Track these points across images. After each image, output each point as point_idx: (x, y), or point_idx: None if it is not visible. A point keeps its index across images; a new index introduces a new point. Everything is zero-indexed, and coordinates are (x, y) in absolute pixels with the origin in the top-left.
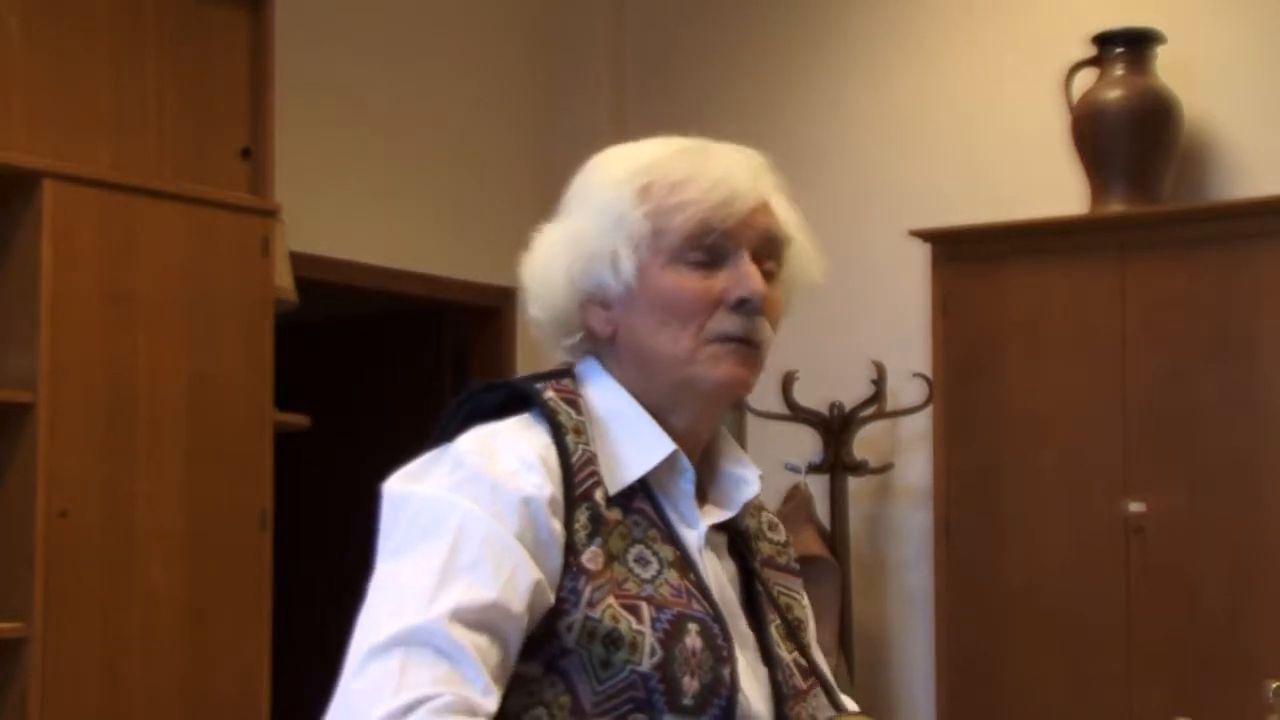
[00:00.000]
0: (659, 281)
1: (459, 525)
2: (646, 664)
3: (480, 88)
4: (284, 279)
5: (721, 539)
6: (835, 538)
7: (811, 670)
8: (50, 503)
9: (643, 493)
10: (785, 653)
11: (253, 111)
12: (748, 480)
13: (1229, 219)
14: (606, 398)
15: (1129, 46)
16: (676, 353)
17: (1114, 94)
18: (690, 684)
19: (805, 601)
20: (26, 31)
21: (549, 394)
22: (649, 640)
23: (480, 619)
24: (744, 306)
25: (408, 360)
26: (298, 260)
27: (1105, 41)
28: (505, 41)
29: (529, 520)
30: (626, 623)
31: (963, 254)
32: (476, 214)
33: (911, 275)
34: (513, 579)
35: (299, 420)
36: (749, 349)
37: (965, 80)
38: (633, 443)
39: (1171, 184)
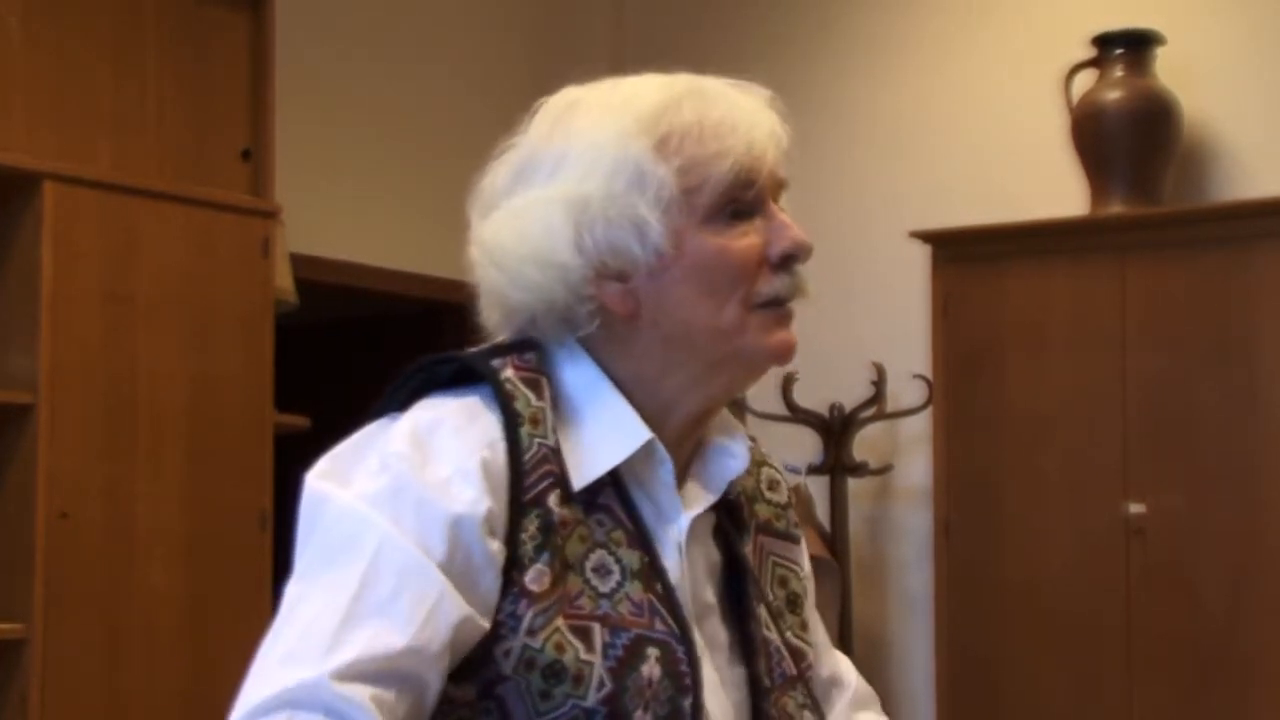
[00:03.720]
0: (699, 246)
1: (375, 552)
2: (592, 698)
3: (480, 88)
4: (284, 280)
5: (707, 519)
6: (835, 539)
7: (795, 653)
8: (50, 503)
9: (612, 486)
10: (776, 634)
11: (253, 112)
12: (734, 454)
13: (1229, 220)
14: (578, 378)
15: (1129, 47)
16: (721, 325)
17: (1114, 95)
18: (643, 718)
19: (805, 570)
20: (26, 31)
21: (508, 372)
22: (597, 671)
23: (385, 668)
24: (790, 261)
25: (408, 361)
26: (298, 261)
27: (1105, 43)
28: (505, 42)
29: (458, 543)
30: (573, 652)
31: (963, 255)
32: None
33: (911, 276)
34: (433, 616)
35: (299, 421)
36: (790, 310)
37: (965, 81)
38: (602, 430)
39: (1172, 185)
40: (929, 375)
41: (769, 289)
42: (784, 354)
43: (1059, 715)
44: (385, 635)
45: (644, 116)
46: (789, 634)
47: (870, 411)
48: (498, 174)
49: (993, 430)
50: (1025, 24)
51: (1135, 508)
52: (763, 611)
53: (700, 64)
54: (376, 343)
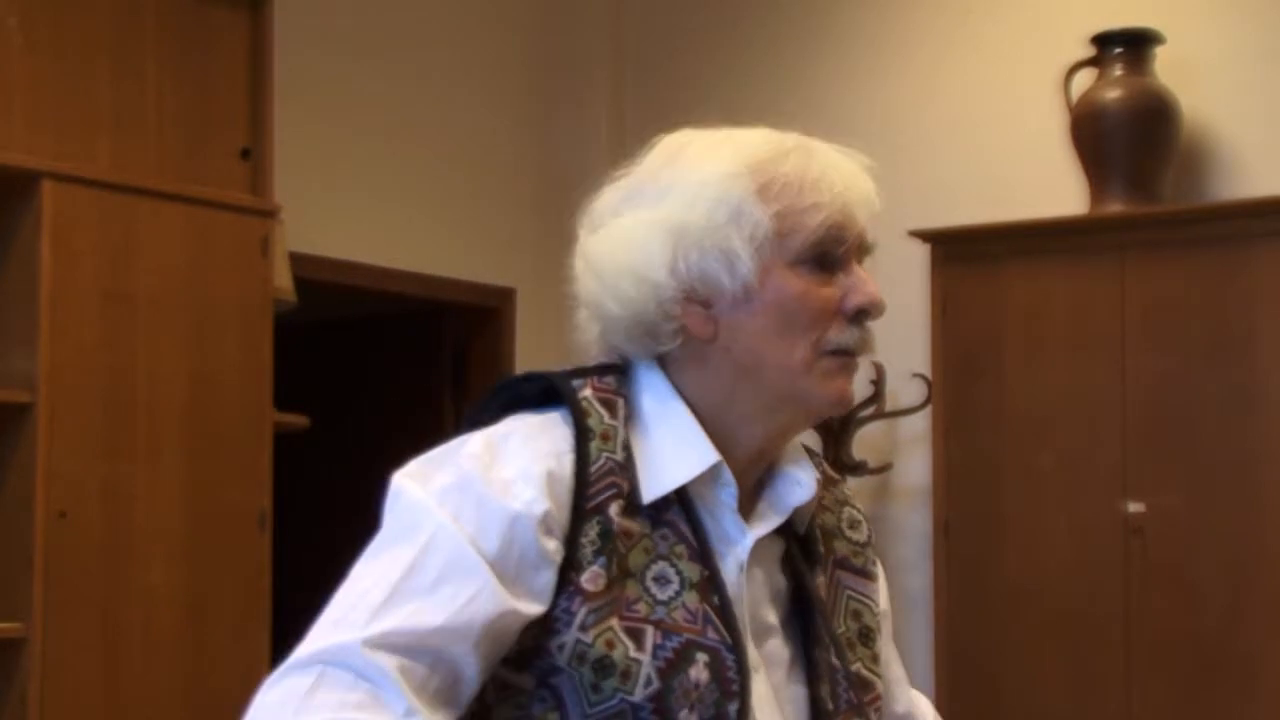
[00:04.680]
0: (782, 285)
1: (428, 540)
2: (639, 694)
3: (479, 88)
4: (283, 279)
5: (775, 546)
6: None
7: (863, 684)
8: (50, 503)
9: (679, 504)
10: (846, 664)
11: (252, 112)
12: (801, 482)
13: (1229, 219)
14: (655, 401)
15: (1128, 47)
16: (790, 363)
17: (1113, 94)
18: (688, 717)
19: (880, 607)
20: (26, 32)
21: (586, 392)
22: (645, 669)
23: (418, 643)
24: (863, 316)
25: (408, 360)
26: (297, 260)
27: (1104, 42)
28: (504, 42)
29: (513, 540)
30: (622, 649)
31: (962, 254)
32: (476, 214)
33: (911, 275)
34: (470, 605)
35: (298, 420)
36: (855, 362)
37: (965, 80)
38: (674, 451)
39: (1171, 184)
40: (928, 374)
41: (838, 338)
42: (841, 403)
43: (1058, 714)
44: (424, 614)
45: (751, 162)
46: (857, 665)
47: (869, 410)
48: (609, 196)
49: (992, 429)
50: (1025, 23)
51: (1134, 507)
52: (832, 641)
53: (700, 64)
54: (376, 342)
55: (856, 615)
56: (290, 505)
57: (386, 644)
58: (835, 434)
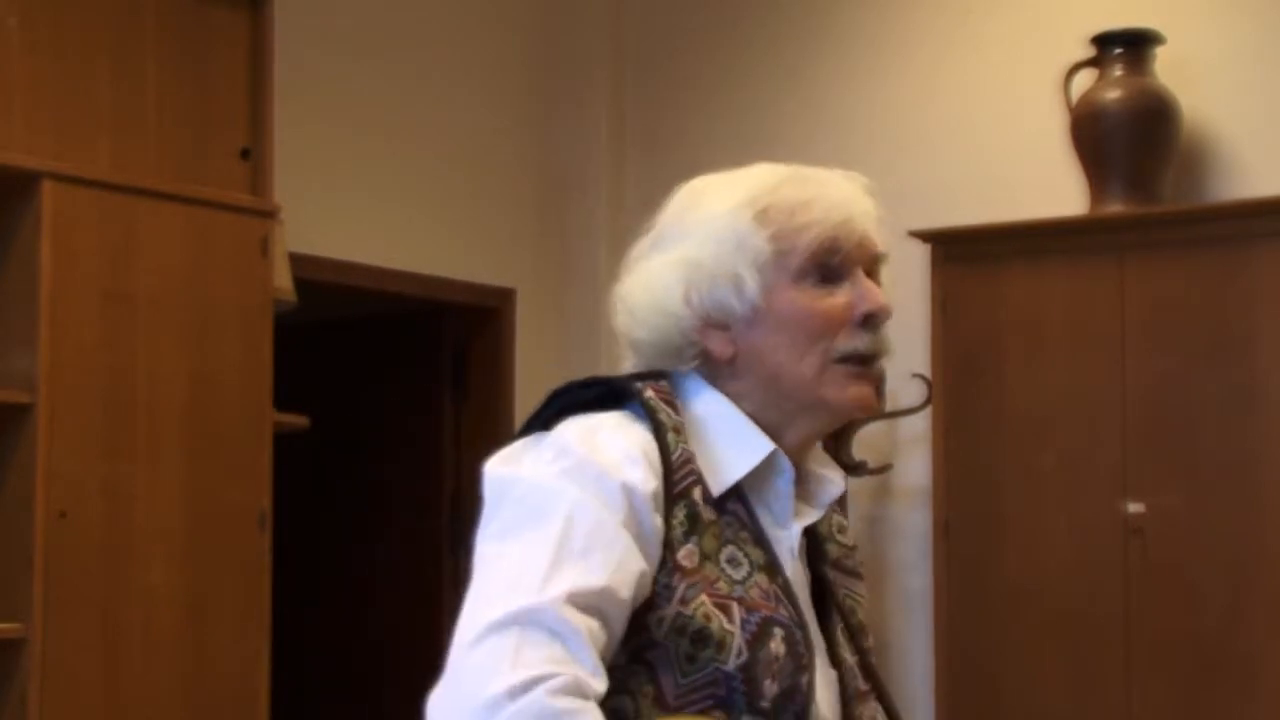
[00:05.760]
0: (786, 302)
1: (569, 512)
2: (732, 663)
3: (480, 88)
4: (283, 280)
5: (802, 543)
6: None
7: (871, 673)
8: (50, 503)
9: (736, 495)
10: (849, 655)
11: (252, 112)
12: (833, 481)
13: (1229, 219)
14: (704, 402)
15: (1128, 47)
16: (804, 372)
17: (1113, 95)
18: (770, 687)
19: (866, 605)
20: (26, 31)
21: (648, 393)
22: (737, 640)
23: (591, 603)
24: (871, 321)
25: (407, 360)
26: (297, 261)
27: (1104, 42)
28: (505, 42)
29: (632, 511)
30: (718, 621)
31: (962, 254)
32: (476, 214)
33: (911, 275)
34: (622, 566)
35: (298, 420)
36: (871, 368)
37: (965, 80)
38: (731, 444)
39: (1171, 184)
40: (928, 374)
41: (848, 345)
42: (860, 407)
43: (1058, 714)
44: (589, 576)
45: (751, 194)
46: (858, 656)
47: None
48: (641, 243)
49: (992, 430)
50: (1025, 23)
51: (1134, 507)
52: (840, 634)
53: (700, 64)
54: (376, 343)
55: (852, 611)
56: (290, 505)
57: (573, 603)
58: (835, 434)
